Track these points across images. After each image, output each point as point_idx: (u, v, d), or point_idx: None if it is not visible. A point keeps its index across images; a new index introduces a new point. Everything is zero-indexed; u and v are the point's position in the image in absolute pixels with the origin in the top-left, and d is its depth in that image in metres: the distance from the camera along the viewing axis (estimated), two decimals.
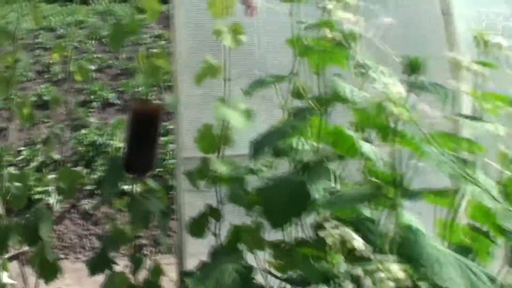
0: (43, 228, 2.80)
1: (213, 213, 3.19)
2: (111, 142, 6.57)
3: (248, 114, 2.98)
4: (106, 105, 8.54)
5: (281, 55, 3.28)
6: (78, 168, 6.12)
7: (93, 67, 9.51)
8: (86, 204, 5.72)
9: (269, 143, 2.32)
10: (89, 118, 7.82)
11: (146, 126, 3.02)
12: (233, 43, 2.84)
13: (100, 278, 3.10)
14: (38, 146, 6.72)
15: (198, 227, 3.19)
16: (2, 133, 7.39)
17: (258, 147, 2.33)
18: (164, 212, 3.10)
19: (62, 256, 5.25)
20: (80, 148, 6.51)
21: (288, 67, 2.44)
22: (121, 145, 6.16)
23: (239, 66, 3.14)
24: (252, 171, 2.62)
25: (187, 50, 3.28)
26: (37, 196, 5.62)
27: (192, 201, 3.54)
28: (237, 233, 3.01)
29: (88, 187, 5.91)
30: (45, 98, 8.34)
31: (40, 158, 6.37)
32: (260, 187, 2.36)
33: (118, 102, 8.49)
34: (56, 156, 6.37)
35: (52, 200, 5.51)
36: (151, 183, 3.19)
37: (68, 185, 2.91)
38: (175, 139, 3.40)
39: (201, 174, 3.13)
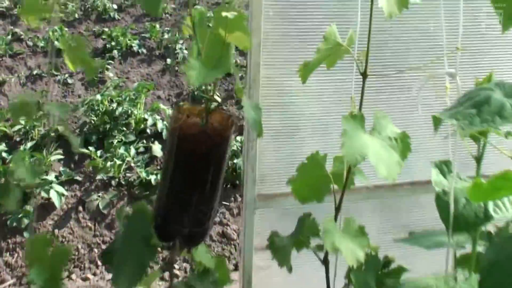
0: None
1: None
2: (133, 111, 5.09)
3: (405, 148, 1.50)
4: (128, 54, 7.07)
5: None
6: (88, 150, 4.67)
7: (114, 6, 8.03)
8: (98, 199, 4.29)
9: None
10: (107, 71, 6.35)
11: (202, 160, 1.55)
12: (397, 5, 1.34)
13: None
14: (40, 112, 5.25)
15: None
16: (1, 88, 6.00)
17: None
18: None
19: (65, 274, 3.85)
20: (93, 118, 5.04)
21: None
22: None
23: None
24: None
25: (275, 19, 1.78)
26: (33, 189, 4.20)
27: (263, 265, 2.11)
28: None
29: (100, 177, 4.47)
30: (56, 43, 6.85)
31: (41, 129, 4.93)
32: None
33: (143, 51, 7.00)
34: (61, 128, 4.96)
35: (53, 194, 4.11)
36: (203, 253, 1.73)
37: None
38: (244, 166, 1.93)
39: (300, 244, 1.69)
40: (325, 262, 1.68)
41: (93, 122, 5.02)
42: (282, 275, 2.00)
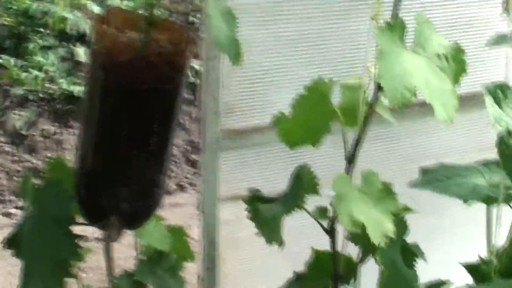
0: None
1: None
2: (51, 8, 4.36)
3: (459, 68, 0.99)
4: None
5: None
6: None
7: None
8: (15, 118, 3.63)
9: None
10: None
11: (144, 102, 0.98)
12: None
13: None
14: None
15: None
16: None
17: None
18: None
19: None
20: (6, 19, 4.30)
21: None
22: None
23: None
24: None
25: None
26: None
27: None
28: None
29: (16, 91, 3.81)
30: None
31: None
32: None
33: None
34: None
35: None
36: (153, 231, 1.20)
37: None
38: (202, 95, 1.39)
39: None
40: (331, 233, 1.17)
41: (6, 23, 4.28)
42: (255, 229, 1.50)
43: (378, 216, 1.06)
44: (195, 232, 2.31)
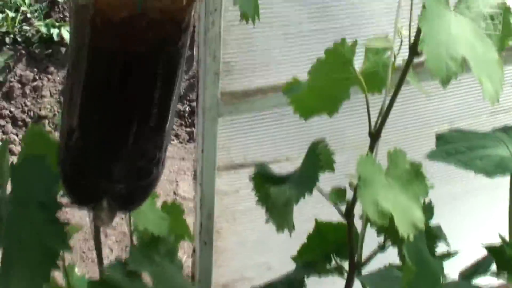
0: None
1: None
2: None
3: (508, 29, 0.84)
4: None
5: None
6: None
7: None
8: None
9: None
10: None
11: (143, 67, 0.83)
12: None
13: None
14: None
15: None
16: None
17: None
18: None
19: None
20: None
21: None
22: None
23: None
24: None
25: None
26: None
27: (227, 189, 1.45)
28: None
29: None
30: None
31: None
32: None
33: None
34: None
35: None
36: (148, 214, 1.06)
37: None
38: (200, 53, 1.23)
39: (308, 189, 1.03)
40: (349, 217, 1.03)
41: None
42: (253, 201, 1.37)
43: (406, 204, 0.92)
44: (183, 190, 2.19)
